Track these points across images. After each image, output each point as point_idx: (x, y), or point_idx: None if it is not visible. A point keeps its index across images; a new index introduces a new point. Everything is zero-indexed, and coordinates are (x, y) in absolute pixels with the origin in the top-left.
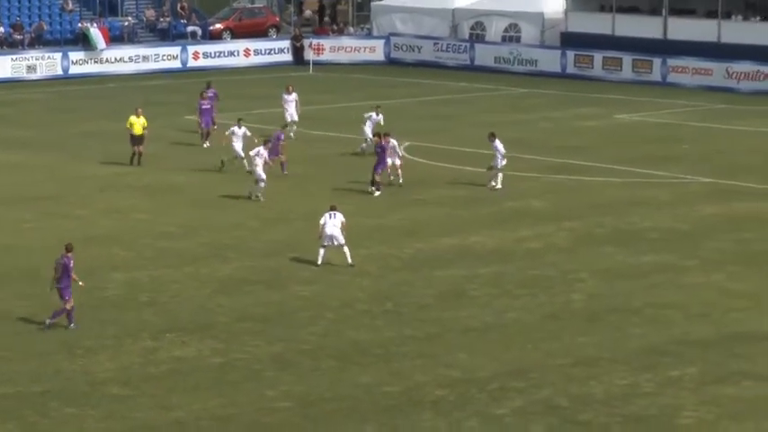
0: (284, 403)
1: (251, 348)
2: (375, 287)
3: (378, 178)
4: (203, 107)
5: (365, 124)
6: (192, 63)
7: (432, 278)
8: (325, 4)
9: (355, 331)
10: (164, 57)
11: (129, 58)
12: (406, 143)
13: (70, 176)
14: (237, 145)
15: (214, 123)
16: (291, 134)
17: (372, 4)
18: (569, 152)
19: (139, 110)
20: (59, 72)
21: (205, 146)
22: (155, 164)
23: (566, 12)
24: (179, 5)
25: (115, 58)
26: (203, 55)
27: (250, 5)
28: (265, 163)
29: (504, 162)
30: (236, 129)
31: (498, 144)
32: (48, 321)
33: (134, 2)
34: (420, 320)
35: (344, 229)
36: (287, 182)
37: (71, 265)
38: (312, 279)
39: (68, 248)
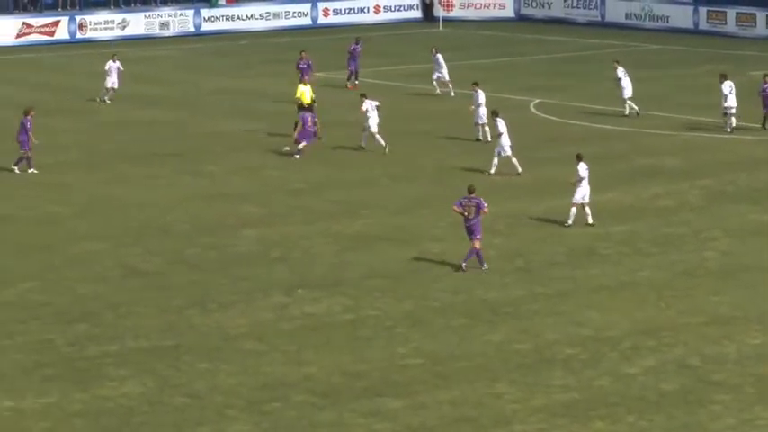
0: (415, 360)
1: (381, 305)
2: (505, 245)
3: None
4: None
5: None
6: (322, 20)
7: (563, 236)
8: None
9: (485, 289)
10: (294, 14)
11: (260, 15)
12: (537, 100)
13: (201, 133)
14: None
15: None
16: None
17: None
18: (701, 109)
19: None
20: (191, 29)
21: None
22: (284, 122)
23: None
24: None
25: (246, 15)
26: (333, 11)
27: None
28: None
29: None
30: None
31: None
32: (463, 264)
33: None
34: (551, 278)
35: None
36: (417, 139)
37: (484, 205)
38: (442, 236)
39: (471, 190)
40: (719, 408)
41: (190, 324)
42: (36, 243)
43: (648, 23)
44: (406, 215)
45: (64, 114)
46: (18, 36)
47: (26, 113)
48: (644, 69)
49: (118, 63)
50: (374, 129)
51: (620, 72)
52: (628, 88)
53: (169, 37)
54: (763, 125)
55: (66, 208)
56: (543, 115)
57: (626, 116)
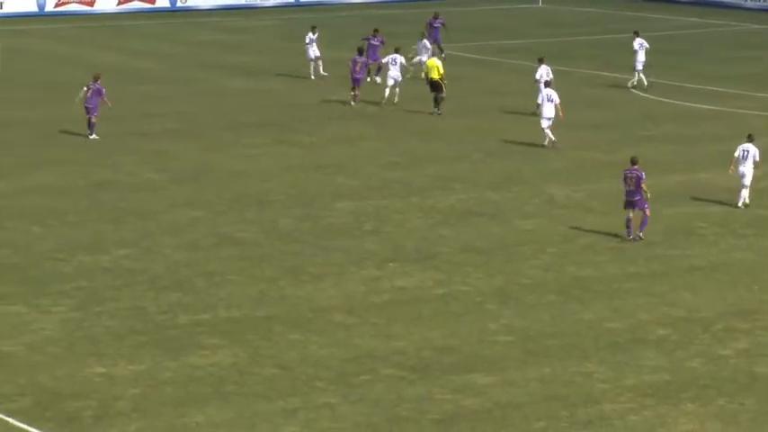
0: (505, 337)
1: (472, 280)
2: (599, 223)
3: None
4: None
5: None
6: None
7: (659, 215)
8: None
9: (577, 267)
10: None
11: None
12: (635, 78)
13: (300, 104)
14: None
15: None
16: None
17: None
18: None
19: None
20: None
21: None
22: (378, 92)
23: None
24: None
25: None
26: None
27: None
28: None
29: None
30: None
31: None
32: (640, 234)
33: None
34: (645, 257)
35: None
36: (510, 116)
37: (644, 177)
38: (533, 213)
39: (634, 161)
40: None
41: (282, 295)
42: (133, 209)
43: (750, 3)
44: (499, 191)
45: (163, 82)
46: (120, 3)
47: (95, 79)
48: (744, 49)
49: (317, 34)
50: (390, 82)
51: (637, 44)
52: (640, 61)
53: (270, 7)
54: None
55: (163, 175)
56: (642, 94)
57: (630, 87)
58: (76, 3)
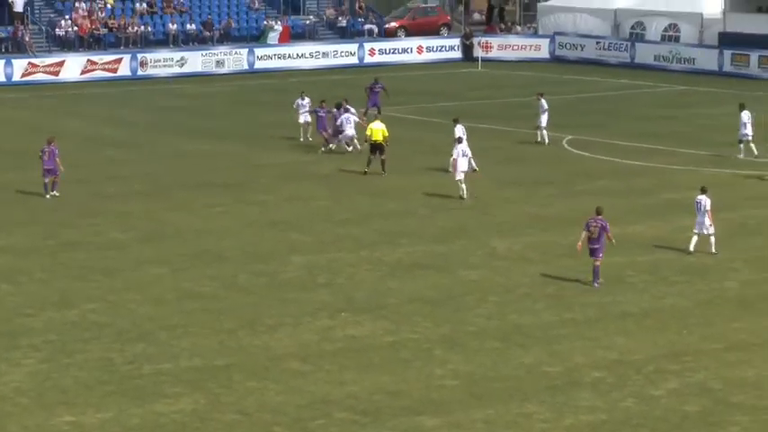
0: (452, 381)
1: (420, 329)
2: (537, 273)
3: None
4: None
5: None
6: (368, 59)
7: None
8: (493, 4)
9: (518, 314)
10: (342, 53)
11: (310, 54)
12: (569, 136)
13: (254, 165)
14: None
15: (379, 111)
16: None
17: (539, 4)
18: (726, 147)
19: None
20: (245, 67)
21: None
22: (331, 154)
23: (724, 12)
24: (357, 5)
25: (297, 54)
26: (379, 51)
27: (423, 5)
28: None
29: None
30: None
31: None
32: (595, 284)
33: (315, 1)
34: (580, 304)
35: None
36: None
37: (608, 228)
38: (477, 264)
39: (599, 211)
40: (738, 429)
41: (240, 345)
42: (99, 267)
43: (676, 65)
44: (444, 244)
45: (126, 147)
46: (83, 72)
47: (49, 142)
48: (671, 108)
49: (308, 99)
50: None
51: (544, 104)
52: (544, 118)
53: (224, 74)
54: None
55: (128, 234)
56: (575, 151)
57: (539, 143)
58: (42, 72)
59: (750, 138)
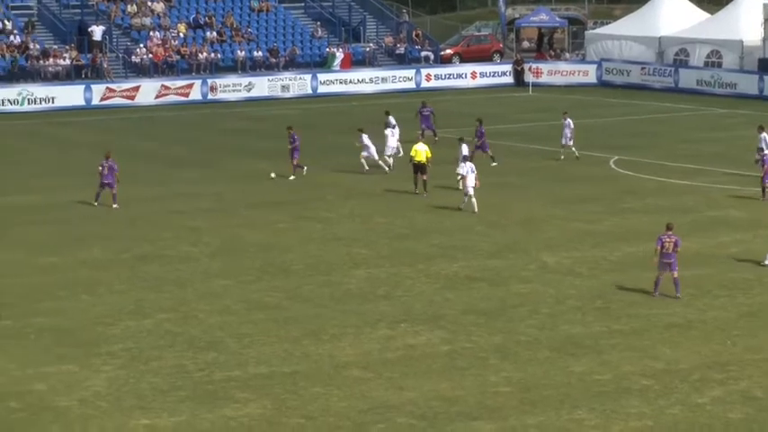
0: (505, 388)
1: (475, 338)
2: (586, 286)
3: None
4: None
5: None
6: (424, 84)
7: (639, 279)
8: (543, 32)
9: (568, 325)
10: (400, 78)
11: (370, 80)
12: (616, 157)
13: (316, 183)
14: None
15: (434, 134)
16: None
17: (586, 32)
18: None
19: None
20: (309, 91)
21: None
22: (393, 174)
23: (764, 40)
24: (414, 33)
25: (357, 80)
26: (435, 77)
27: (477, 33)
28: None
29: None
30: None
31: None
32: (655, 293)
33: (375, 30)
34: (628, 316)
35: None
36: (508, 190)
37: (680, 243)
38: (529, 278)
39: (670, 227)
40: None
41: (305, 353)
42: (172, 278)
43: (718, 89)
44: (498, 258)
45: (196, 166)
46: (157, 96)
47: (107, 157)
48: (713, 131)
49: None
50: (388, 151)
51: (570, 122)
52: (567, 137)
53: (289, 98)
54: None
55: (198, 248)
56: (622, 171)
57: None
58: (119, 96)
59: None
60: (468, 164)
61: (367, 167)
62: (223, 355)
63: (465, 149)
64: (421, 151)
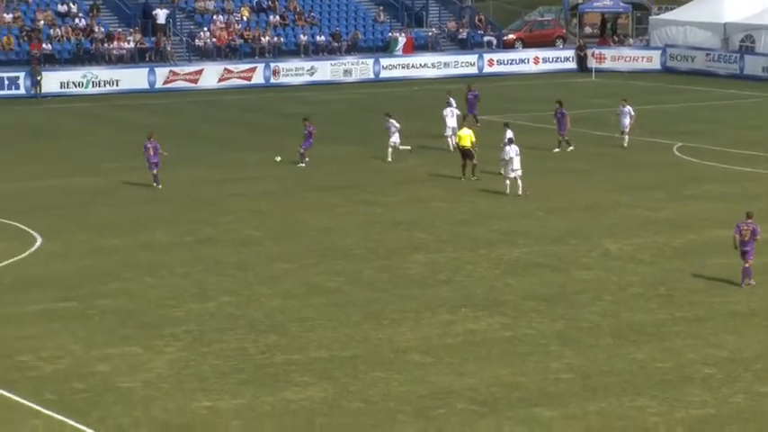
0: (566, 375)
1: (536, 324)
2: (649, 273)
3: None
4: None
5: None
6: (487, 69)
7: (702, 266)
8: (607, 17)
9: (630, 312)
10: (462, 63)
11: (432, 65)
12: (679, 143)
13: (376, 168)
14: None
15: (475, 118)
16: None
17: (650, 18)
18: None
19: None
20: (371, 76)
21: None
22: (439, 157)
23: None
24: (477, 18)
25: (419, 64)
26: (497, 62)
27: (539, 18)
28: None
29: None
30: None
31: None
32: (743, 283)
33: (437, 14)
34: (690, 304)
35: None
36: (571, 176)
37: (759, 231)
38: (591, 264)
39: (749, 215)
40: None
41: (365, 337)
42: (233, 262)
43: None
44: (560, 244)
45: (257, 150)
46: (220, 80)
47: (149, 137)
48: None
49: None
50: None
51: (629, 110)
52: (627, 122)
53: (351, 83)
54: None
55: (259, 232)
56: (685, 157)
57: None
58: (182, 80)
59: None
60: (514, 146)
61: (390, 158)
62: (284, 339)
63: (510, 134)
64: (465, 136)
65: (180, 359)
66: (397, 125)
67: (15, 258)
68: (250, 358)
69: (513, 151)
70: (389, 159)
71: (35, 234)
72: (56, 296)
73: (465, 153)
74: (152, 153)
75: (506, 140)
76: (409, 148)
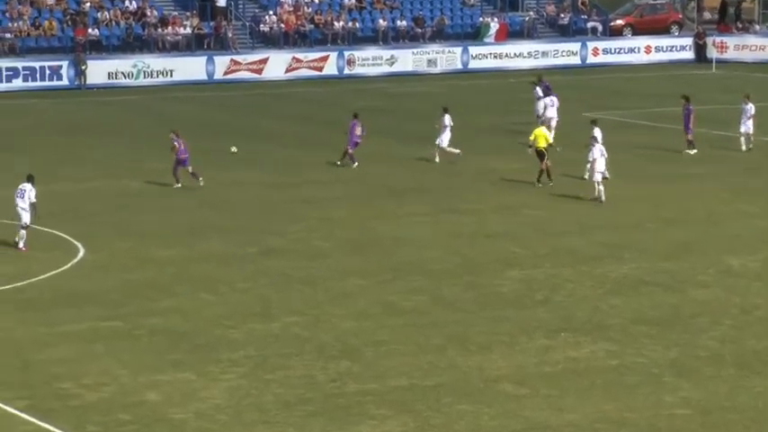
0: (682, 410)
1: (647, 352)
2: None
3: None
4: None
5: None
6: (591, 59)
7: None
8: (728, 1)
9: (756, 339)
10: (563, 53)
11: (528, 54)
12: None
13: (461, 171)
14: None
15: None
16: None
17: None
18: None
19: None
20: (459, 66)
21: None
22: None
23: None
24: (580, 1)
25: (514, 54)
26: (603, 51)
27: (652, 2)
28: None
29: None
30: None
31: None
32: None
33: None
34: None
35: None
36: (687, 183)
37: None
38: (709, 283)
39: None
40: None
41: (450, 364)
42: (301, 276)
43: None
44: (672, 260)
45: (329, 149)
46: (288, 70)
47: (176, 134)
48: None
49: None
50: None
51: (751, 108)
52: (750, 124)
53: (436, 74)
54: None
55: (329, 243)
56: None
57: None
58: (245, 70)
59: None
60: (599, 146)
61: (438, 159)
62: (357, 365)
63: (597, 132)
64: (540, 136)
65: (239, 387)
66: (451, 122)
67: (56, 271)
68: (319, 387)
69: (597, 152)
70: (437, 160)
71: (77, 243)
72: (100, 314)
73: (541, 154)
74: (182, 147)
75: (591, 139)
76: (458, 151)
